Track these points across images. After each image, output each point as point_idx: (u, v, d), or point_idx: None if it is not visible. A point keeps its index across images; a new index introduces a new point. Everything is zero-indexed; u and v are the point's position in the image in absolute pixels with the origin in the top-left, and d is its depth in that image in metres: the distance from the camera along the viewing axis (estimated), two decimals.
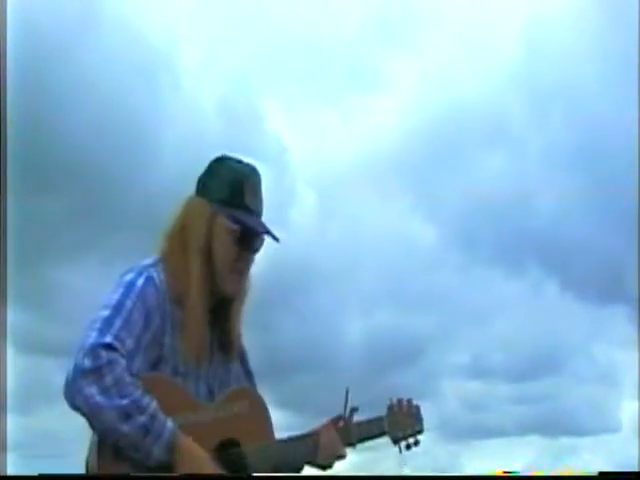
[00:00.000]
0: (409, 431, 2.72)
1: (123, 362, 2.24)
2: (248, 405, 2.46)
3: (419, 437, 2.72)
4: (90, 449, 2.30)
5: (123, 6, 10.20)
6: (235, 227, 2.49)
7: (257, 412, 2.49)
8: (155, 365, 2.35)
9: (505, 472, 2.94)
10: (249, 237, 2.52)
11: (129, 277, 2.40)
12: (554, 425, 13.08)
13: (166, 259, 2.48)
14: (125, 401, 2.21)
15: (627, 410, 13.85)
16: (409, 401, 2.74)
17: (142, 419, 2.21)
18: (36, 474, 2.40)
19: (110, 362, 2.23)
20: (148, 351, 2.33)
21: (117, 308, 2.31)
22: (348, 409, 2.64)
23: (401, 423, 2.71)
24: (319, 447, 2.55)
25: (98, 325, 2.26)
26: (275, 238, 2.54)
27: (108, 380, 2.21)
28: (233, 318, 2.58)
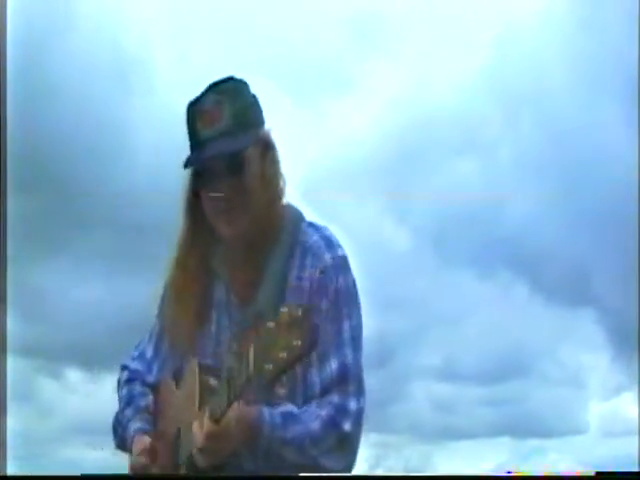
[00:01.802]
0: (284, 357, 1.61)
1: (125, 377, 2.37)
2: (187, 384, 2.14)
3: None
4: None
5: (97, 10, 10.19)
6: (191, 179, 2.14)
7: (190, 389, 2.11)
8: (182, 360, 2.25)
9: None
10: (203, 173, 2.11)
11: None
12: (523, 427, 13.23)
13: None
14: (113, 419, 2.33)
15: (594, 412, 14.03)
16: (293, 307, 1.68)
17: (119, 431, 2.30)
18: (36, 474, 2.43)
19: (118, 382, 2.38)
20: (171, 354, 2.31)
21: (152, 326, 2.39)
22: None
23: (271, 351, 1.63)
24: None
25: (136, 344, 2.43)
26: (229, 154, 2.06)
27: (118, 398, 2.36)
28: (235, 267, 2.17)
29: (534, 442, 13.95)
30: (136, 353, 2.40)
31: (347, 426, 2.02)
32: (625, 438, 13.94)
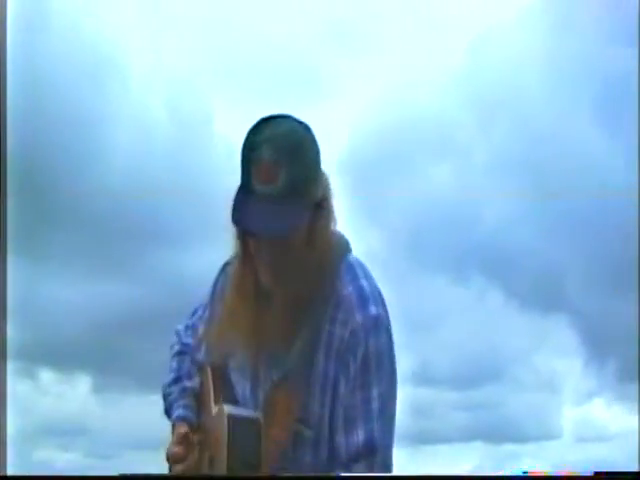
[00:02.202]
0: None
1: (176, 348, 2.37)
2: (219, 426, 2.06)
3: None
4: None
5: (70, 10, 10.14)
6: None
7: (221, 437, 2.03)
8: (226, 356, 2.25)
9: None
10: (248, 235, 2.03)
11: None
12: (497, 432, 13.21)
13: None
14: (162, 385, 2.33)
15: (567, 417, 14.07)
16: None
17: (165, 405, 2.31)
18: (36, 474, 2.40)
19: (171, 347, 2.40)
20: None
21: (209, 295, 2.36)
22: None
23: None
24: None
25: (192, 310, 2.42)
26: (274, 236, 1.96)
27: (169, 363, 2.37)
28: (275, 313, 2.05)
29: (508, 447, 13.95)
30: (190, 322, 2.41)
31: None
32: (597, 443, 14.02)
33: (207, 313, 2.34)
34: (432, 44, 13.44)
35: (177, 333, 2.42)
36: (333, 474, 2.03)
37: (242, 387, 2.18)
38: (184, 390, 2.30)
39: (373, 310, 2.04)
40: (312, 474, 2.04)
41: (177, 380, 2.33)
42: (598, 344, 12.72)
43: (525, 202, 12.41)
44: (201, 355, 2.33)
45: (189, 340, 2.38)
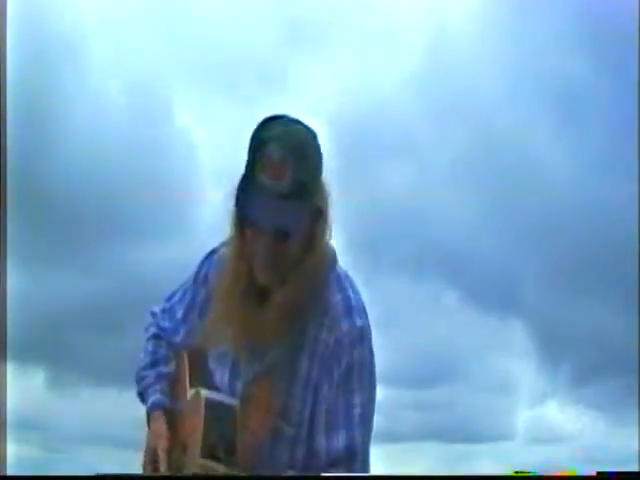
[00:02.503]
0: None
1: (152, 331, 2.38)
2: (193, 411, 2.08)
3: None
4: None
5: None
6: (233, 208, 2.07)
7: (196, 421, 2.06)
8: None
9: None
10: (251, 225, 2.06)
11: None
12: (451, 432, 13.29)
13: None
14: (137, 367, 2.34)
15: (521, 418, 14.17)
16: None
17: (139, 388, 2.32)
18: (36, 474, 2.42)
19: (146, 329, 2.40)
20: (198, 326, 2.30)
21: (185, 281, 2.36)
22: None
23: None
24: None
25: (167, 295, 2.40)
26: (279, 228, 2.01)
27: (143, 346, 2.38)
28: (270, 311, 2.08)
29: (461, 447, 14.04)
30: (167, 305, 2.40)
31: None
32: (550, 445, 14.14)
33: (188, 297, 2.34)
34: (390, 44, 13.48)
35: (153, 314, 2.41)
36: (314, 474, 2.06)
37: (221, 375, 2.19)
38: (160, 375, 2.31)
39: (358, 321, 2.10)
40: (312, 474, 2.06)
41: (153, 364, 2.34)
42: (552, 346, 12.84)
43: (482, 202, 12.48)
44: (179, 339, 2.35)
45: (166, 324, 2.37)
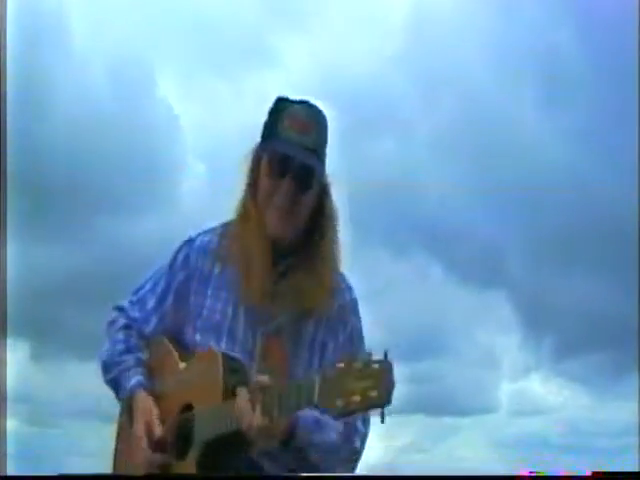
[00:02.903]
0: (357, 400, 1.76)
1: (122, 322, 2.42)
2: (205, 367, 2.18)
3: (380, 409, 1.78)
4: None
5: None
6: (265, 157, 2.26)
7: (210, 374, 2.14)
8: (183, 324, 2.36)
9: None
10: (278, 163, 2.22)
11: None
12: (437, 405, 13.36)
13: (231, 222, 2.37)
14: (106, 356, 2.38)
15: (505, 391, 14.28)
16: (366, 358, 1.80)
17: (114, 373, 2.36)
18: (36, 474, 2.47)
19: (112, 322, 2.43)
20: (172, 312, 2.38)
21: (155, 272, 2.44)
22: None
23: (344, 389, 1.77)
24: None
25: (135, 288, 2.46)
26: (308, 165, 2.21)
27: (110, 337, 2.41)
28: (292, 271, 2.28)
29: (447, 420, 14.14)
30: (135, 298, 2.45)
31: (357, 443, 2.26)
32: (533, 417, 14.25)
33: (162, 284, 2.40)
34: (375, 19, 13.42)
35: (120, 309, 2.46)
36: (331, 474, 2.27)
37: (216, 344, 2.27)
38: (139, 360, 2.37)
39: (354, 295, 2.39)
40: (312, 474, 2.22)
41: (128, 350, 2.38)
42: (536, 320, 12.90)
43: (468, 177, 12.49)
44: (149, 328, 2.40)
45: (136, 314, 2.42)
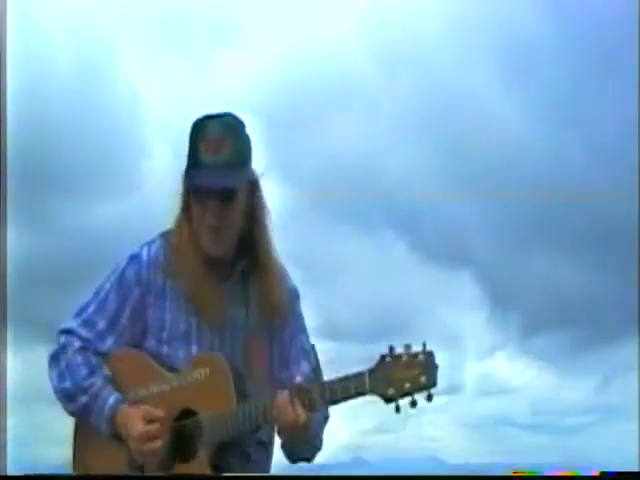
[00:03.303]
0: (408, 386, 2.25)
1: (77, 345, 2.42)
2: (208, 371, 2.34)
3: (428, 391, 2.27)
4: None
5: None
6: (190, 187, 2.44)
7: (216, 378, 2.34)
8: (142, 338, 2.44)
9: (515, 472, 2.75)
10: (200, 194, 2.41)
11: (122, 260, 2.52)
12: None
13: (169, 232, 2.51)
14: (68, 384, 2.38)
15: (470, 371, 14.34)
16: (409, 350, 2.31)
17: (83, 399, 2.36)
18: (36, 474, 2.50)
19: (64, 346, 2.43)
20: (129, 327, 2.45)
21: (96, 292, 2.48)
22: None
23: (394, 378, 2.24)
24: (270, 411, 2.30)
25: (76, 311, 2.47)
26: (226, 188, 2.39)
27: (62, 364, 2.41)
28: (244, 275, 2.54)
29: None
30: (79, 320, 2.47)
31: (327, 412, 2.52)
32: (499, 396, 14.33)
33: (112, 304, 2.45)
34: None
35: (67, 332, 2.46)
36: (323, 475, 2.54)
37: (185, 351, 2.41)
38: (106, 378, 2.40)
39: (293, 282, 2.66)
40: (311, 474, 2.45)
41: (92, 372, 2.40)
42: (501, 298, 12.96)
43: (433, 154, 12.50)
44: (105, 347, 2.44)
45: (88, 335, 2.44)
